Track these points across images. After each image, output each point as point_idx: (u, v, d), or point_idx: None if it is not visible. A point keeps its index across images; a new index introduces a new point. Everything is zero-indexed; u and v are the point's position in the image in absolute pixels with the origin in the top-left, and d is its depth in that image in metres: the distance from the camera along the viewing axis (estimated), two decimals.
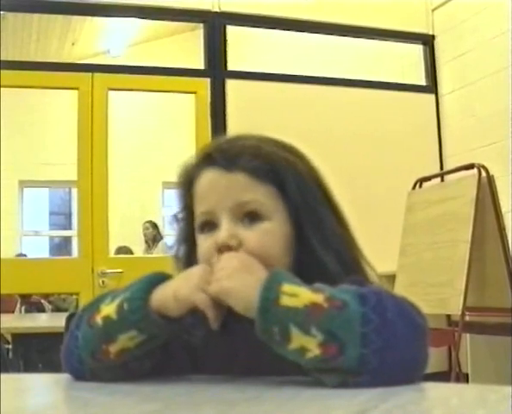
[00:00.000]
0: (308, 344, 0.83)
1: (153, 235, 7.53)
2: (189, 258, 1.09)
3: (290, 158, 1.04)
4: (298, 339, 0.83)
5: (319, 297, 0.85)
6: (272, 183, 1.02)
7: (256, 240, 0.99)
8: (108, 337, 0.95)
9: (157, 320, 0.93)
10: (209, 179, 1.04)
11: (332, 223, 1.04)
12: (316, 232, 1.02)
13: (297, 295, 0.86)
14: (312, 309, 0.84)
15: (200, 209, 1.04)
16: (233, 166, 1.02)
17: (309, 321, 0.83)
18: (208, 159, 1.05)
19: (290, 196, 1.02)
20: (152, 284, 0.96)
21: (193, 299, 0.91)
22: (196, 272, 0.95)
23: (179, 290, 0.93)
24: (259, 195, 1.01)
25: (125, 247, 6.89)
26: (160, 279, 0.97)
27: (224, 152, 1.03)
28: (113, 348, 0.95)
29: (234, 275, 0.91)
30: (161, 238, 7.47)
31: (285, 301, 0.85)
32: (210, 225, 1.03)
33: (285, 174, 1.02)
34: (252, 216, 1.01)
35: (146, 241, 7.58)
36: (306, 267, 1.00)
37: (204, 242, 1.03)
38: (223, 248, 0.99)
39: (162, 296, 0.94)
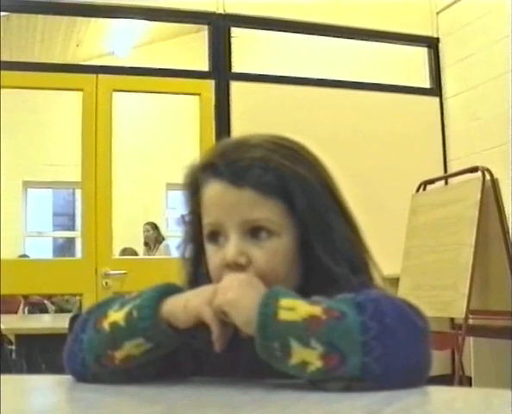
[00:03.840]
0: (308, 357, 0.83)
1: (154, 237, 7.52)
2: (197, 259, 1.10)
3: (299, 170, 1.02)
4: (299, 353, 0.84)
5: (317, 310, 0.85)
6: (281, 197, 1.01)
7: (265, 260, 1.00)
8: (114, 343, 0.96)
9: (165, 329, 0.94)
10: (216, 193, 1.02)
11: (342, 228, 1.04)
12: (325, 240, 1.01)
13: (295, 308, 0.86)
14: (310, 321, 0.84)
15: (207, 220, 1.04)
16: (240, 181, 1.00)
17: (308, 333, 0.84)
18: (213, 168, 1.03)
19: (298, 210, 1.01)
20: (163, 293, 0.96)
21: (201, 311, 0.91)
22: (209, 288, 0.95)
23: (190, 300, 0.93)
24: (268, 212, 1.00)
25: (130, 248, 6.89)
26: (172, 290, 0.97)
27: (231, 164, 1.01)
28: (118, 355, 0.95)
29: (239, 287, 0.92)
30: (163, 239, 7.46)
31: (283, 315, 0.85)
32: (218, 235, 1.03)
33: (294, 188, 1.00)
34: (260, 231, 1.01)
35: (147, 243, 7.57)
36: (314, 275, 1.01)
37: (214, 255, 1.03)
38: (232, 265, 0.99)
39: (173, 306, 0.94)
